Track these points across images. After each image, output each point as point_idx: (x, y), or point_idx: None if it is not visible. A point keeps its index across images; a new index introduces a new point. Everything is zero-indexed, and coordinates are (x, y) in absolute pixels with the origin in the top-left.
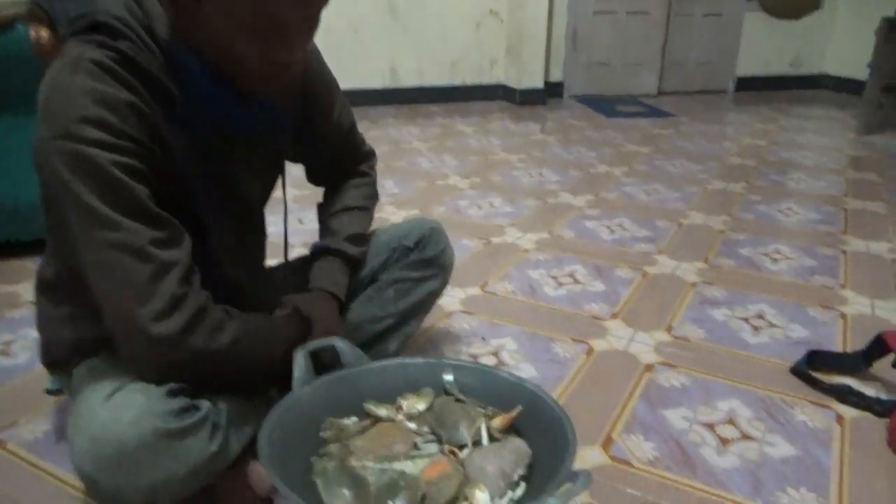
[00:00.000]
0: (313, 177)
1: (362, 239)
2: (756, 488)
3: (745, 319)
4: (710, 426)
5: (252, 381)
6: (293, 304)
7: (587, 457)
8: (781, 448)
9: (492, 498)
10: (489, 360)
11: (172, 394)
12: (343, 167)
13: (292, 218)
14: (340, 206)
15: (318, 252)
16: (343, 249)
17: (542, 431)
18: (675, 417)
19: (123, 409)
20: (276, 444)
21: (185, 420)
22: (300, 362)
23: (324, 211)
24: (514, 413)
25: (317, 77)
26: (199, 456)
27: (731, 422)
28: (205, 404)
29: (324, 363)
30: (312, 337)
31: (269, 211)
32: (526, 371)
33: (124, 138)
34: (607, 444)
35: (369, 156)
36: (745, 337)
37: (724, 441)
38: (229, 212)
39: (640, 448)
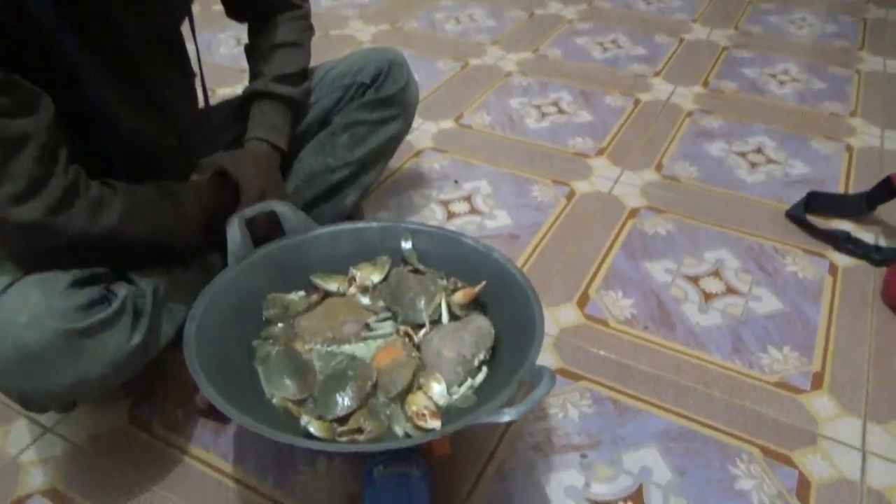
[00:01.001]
0: (232, 9)
1: (298, 77)
2: (737, 348)
3: (743, 155)
4: (694, 280)
5: (172, 257)
6: (215, 165)
7: (561, 316)
8: (767, 303)
9: (449, 386)
10: (461, 207)
11: (79, 283)
12: None
13: None
14: (269, 44)
15: (248, 97)
16: (274, 91)
17: (508, 309)
18: (658, 270)
19: (18, 308)
20: (206, 333)
21: (94, 315)
22: (234, 233)
23: (251, 53)
24: (477, 288)
25: None
26: (118, 352)
27: (716, 274)
28: (121, 290)
29: (263, 232)
30: (243, 204)
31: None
32: (500, 219)
33: None
34: (583, 301)
35: None
36: (741, 175)
37: (707, 296)
38: (116, 59)
39: (618, 305)
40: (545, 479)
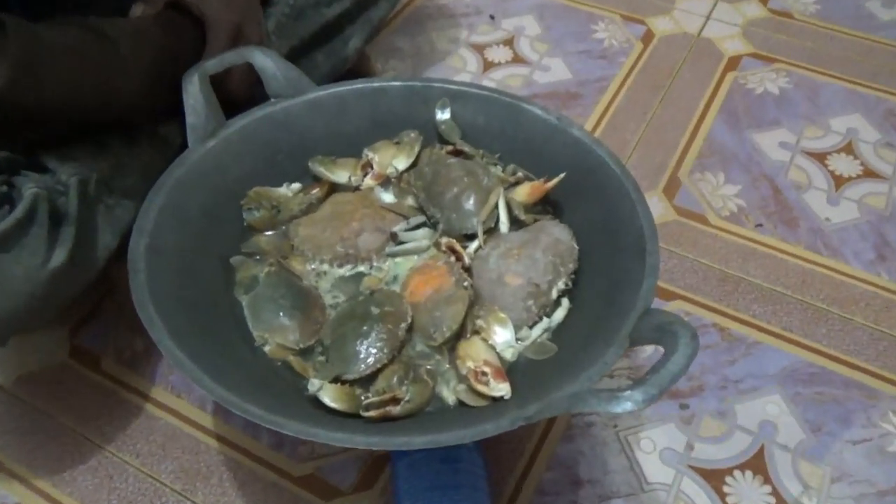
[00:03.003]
0: None
1: None
2: (881, 255)
3: None
4: (820, 157)
5: (106, 131)
6: None
7: None
8: None
9: (516, 329)
10: (501, 54)
11: None
12: None
13: None
14: None
15: None
16: None
17: (593, 212)
18: (770, 144)
19: None
20: (162, 250)
21: None
22: (194, 97)
23: None
24: (551, 182)
25: None
26: (31, 280)
27: (849, 149)
28: (28, 186)
29: (237, 94)
30: (210, 48)
31: None
32: (555, 70)
33: None
34: (672, 188)
35: None
36: (874, 10)
37: (838, 181)
38: None
39: (719, 194)
40: (633, 439)
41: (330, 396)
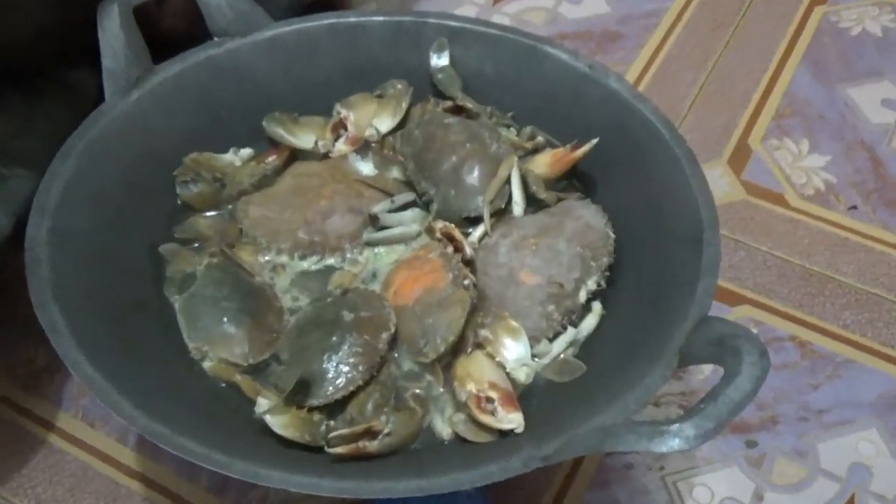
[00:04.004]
0: None
1: None
2: None
3: None
4: None
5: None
6: None
7: None
8: None
9: (533, 342)
10: None
11: None
12: None
13: None
14: None
15: None
16: None
17: (635, 189)
18: (869, 101)
19: None
20: (72, 235)
21: None
22: (112, 33)
23: None
24: (580, 149)
25: None
26: None
27: None
28: None
29: (167, 31)
30: None
31: None
32: (589, 3)
33: None
34: (740, 158)
35: None
36: None
37: None
38: None
39: (801, 167)
40: (684, 486)
41: (280, 422)
